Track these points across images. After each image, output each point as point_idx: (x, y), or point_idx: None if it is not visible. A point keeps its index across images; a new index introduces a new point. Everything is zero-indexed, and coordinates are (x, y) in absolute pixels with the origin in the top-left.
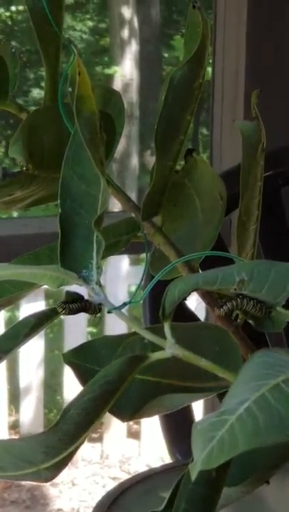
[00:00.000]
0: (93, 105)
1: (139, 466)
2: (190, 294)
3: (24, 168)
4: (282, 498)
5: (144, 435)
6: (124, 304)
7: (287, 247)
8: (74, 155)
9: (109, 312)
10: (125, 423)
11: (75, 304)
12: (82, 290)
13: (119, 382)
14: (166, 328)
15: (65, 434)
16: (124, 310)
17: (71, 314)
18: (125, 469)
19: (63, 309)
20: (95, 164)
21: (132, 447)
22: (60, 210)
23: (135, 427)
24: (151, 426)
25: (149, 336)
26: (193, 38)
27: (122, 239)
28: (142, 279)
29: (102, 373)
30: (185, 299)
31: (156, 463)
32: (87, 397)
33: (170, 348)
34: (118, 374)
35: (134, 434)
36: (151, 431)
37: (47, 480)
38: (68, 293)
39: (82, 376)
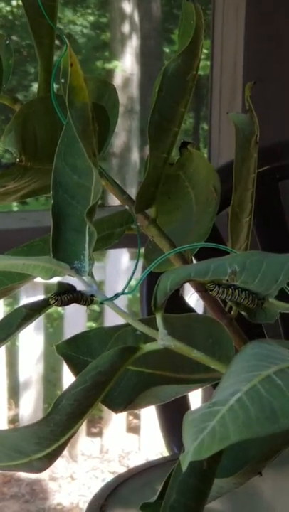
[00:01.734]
0: (86, 96)
1: (139, 461)
2: (182, 285)
3: (17, 160)
4: (276, 490)
5: (143, 430)
6: (117, 295)
7: (284, 241)
8: (66, 146)
9: (101, 303)
10: (125, 418)
11: (67, 295)
12: (75, 281)
13: (111, 373)
14: (159, 319)
15: (57, 425)
16: (117, 302)
17: (63, 305)
18: (125, 464)
19: (55, 300)
20: (88, 155)
21: (132, 442)
22: (52, 201)
23: (135, 421)
24: (151, 421)
25: (141, 327)
26: (187, 30)
27: (115, 231)
28: (133, 271)
29: (94, 364)
30: (178, 292)
31: (156, 457)
32: (79, 388)
33: (162, 340)
34: (110, 365)
35: (134, 429)
36: (151, 426)
37: (39, 471)
38: (60, 284)
39: (75, 367)
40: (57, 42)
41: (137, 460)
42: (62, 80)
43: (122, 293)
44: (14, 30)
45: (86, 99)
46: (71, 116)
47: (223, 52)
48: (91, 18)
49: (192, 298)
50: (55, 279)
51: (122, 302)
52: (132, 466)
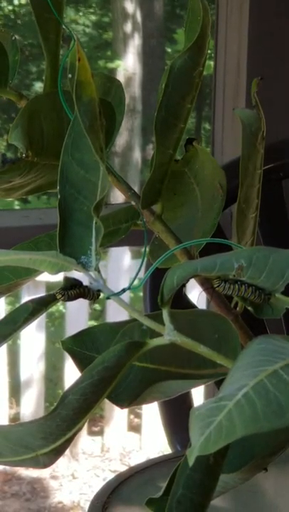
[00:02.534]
0: (93, 91)
1: (140, 460)
2: (188, 280)
3: (24, 155)
4: (279, 488)
5: (144, 429)
6: (123, 290)
7: (287, 239)
8: (73, 141)
9: (108, 298)
10: (126, 416)
11: (74, 290)
12: (81, 276)
13: (117, 368)
14: (165, 314)
15: (64, 419)
16: (123, 296)
17: (70, 300)
18: (126, 462)
19: (62, 295)
20: (95, 151)
21: (133, 441)
22: (59, 196)
23: (136, 420)
24: (152, 419)
25: (147, 322)
26: (194, 26)
27: (121, 227)
28: (140, 266)
29: (101, 359)
30: (181, 289)
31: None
32: (85, 382)
33: (168, 335)
34: (116, 360)
35: (135, 428)
36: (152, 424)
37: (45, 466)
38: (67, 279)
39: (81, 363)
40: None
41: (138, 459)
42: (70, 75)
43: (129, 288)
44: (16, 29)
45: (93, 94)
46: (78, 111)
47: (227, 51)
48: (93, 18)
49: (194, 295)
50: (60, 276)
51: (126, 299)
52: (133, 464)
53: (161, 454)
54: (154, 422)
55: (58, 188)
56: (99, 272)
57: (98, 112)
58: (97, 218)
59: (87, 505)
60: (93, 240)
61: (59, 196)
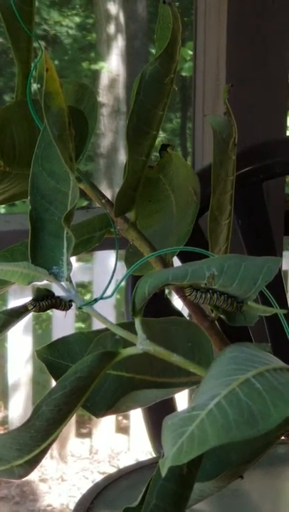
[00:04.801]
0: (62, 102)
1: (129, 461)
2: (160, 289)
3: None
4: (260, 491)
5: (133, 430)
6: (95, 300)
7: (268, 241)
8: (43, 152)
9: (79, 308)
10: (114, 418)
11: (46, 301)
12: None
13: (90, 378)
14: (137, 323)
15: (38, 430)
16: (105, 302)
17: (41, 311)
18: (114, 464)
19: (34, 306)
20: (64, 161)
21: (121, 442)
22: (30, 207)
23: (124, 422)
24: (140, 421)
25: (119, 332)
26: (164, 33)
27: (95, 235)
28: (112, 274)
29: (73, 369)
30: (163, 293)
31: (145, 457)
32: (58, 393)
33: (141, 344)
34: (89, 370)
35: (123, 429)
36: (140, 426)
37: (21, 477)
38: (38, 290)
39: (56, 372)
40: (44, 43)
41: (126, 460)
42: (38, 85)
43: (101, 298)
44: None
45: (62, 104)
46: (47, 121)
47: (206, 53)
48: (77, 19)
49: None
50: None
51: (110, 302)
52: (121, 466)
53: (149, 455)
54: (142, 424)
55: (29, 198)
56: (70, 282)
57: (67, 121)
58: (68, 228)
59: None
60: (64, 250)
61: (30, 207)
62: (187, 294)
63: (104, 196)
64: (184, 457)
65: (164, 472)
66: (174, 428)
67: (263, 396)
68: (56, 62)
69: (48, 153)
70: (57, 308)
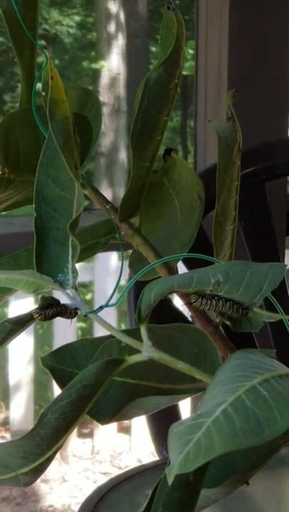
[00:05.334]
0: (67, 109)
1: (130, 461)
2: (166, 296)
3: (0, 172)
4: (265, 495)
5: (134, 430)
6: (101, 308)
7: (271, 242)
8: (48, 159)
9: (85, 316)
10: None
11: (51, 309)
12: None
13: (96, 386)
14: (143, 330)
15: (43, 439)
16: (101, 313)
17: (47, 320)
18: (116, 464)
19: (39, 315)
20: (69, 168)
21: (123, 442)
22: (35, 215)
23: (126, 422)
24: (142, 421)
25: (125, 339)
26: (168, 38)
27: (100, 241)
28: (118, 281)
29: (79, 377)
30: (166, 297)
31: (147, 457)
32: (64, 401)
33: (147, 351)
34: (95, 378)
35: (125, 429)
36: (142, 425)
37: (26, 485)
38: (44, 298)
39: (61, 380)
40: (44, 43)
41: (128, 460)
42: (44, 93)
43: (106, 305)
44: (1, 32)
45: (67, 112)
46: (52, 129)
47: (208, 52)
48: (77, 18)
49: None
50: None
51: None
52: (123, 466)
53: (151, 455)
54: (143, 424)
55: (34, 206)
56: (76, 289)
57: (72, 129)
58: (73, 236)
59: (77, 508)
60: (70, 257)
61: (35, 214)
62: (193, 301)
63: (108, 202)
64: (191, 465)
65: (170, 480)
66: (181, 436)
67: (268, 403)
68: (56, 61)
69: (53, 161)
70: (62, 316)
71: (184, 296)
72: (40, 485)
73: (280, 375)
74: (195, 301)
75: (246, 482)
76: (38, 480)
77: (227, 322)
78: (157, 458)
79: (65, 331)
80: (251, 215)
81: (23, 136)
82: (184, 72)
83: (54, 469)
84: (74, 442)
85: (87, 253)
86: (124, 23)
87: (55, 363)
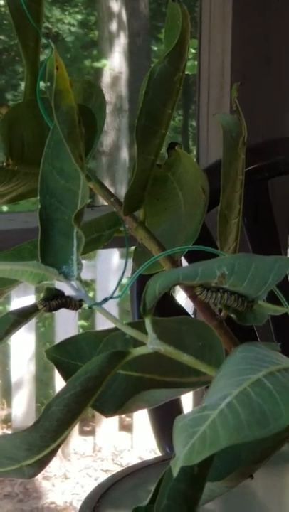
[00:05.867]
0: (71, 100)
1: (132, 459)
2: (170, 289)
3: (4, 164)
4: (268, 491)
5: (136, 428)
6: (105, 300)
7: (273, 239)
8: (53, 150)
9: (89, 308)
10: (117, 416)
11: (56, 300)
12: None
13: (100, 378)
14: (148, 323)
15: (47, 431)
16: (107, 305)
17: (52, 311)
18: (118, 462)
19: (44, 306)
20: (74, 159)
21: (125, 440)
22: (39, 206)
23: (127, 419)
24: (143, 418)
25: (130, 332)
26: (173, 31)
27: (104, 234)
28: (122, 274)
29: (83, 370)
30: (168, 291)
31: (149, 455)
32: (68, 393)
33: (151, 344)
34: (99, 370)
35: (127, 427)
36: (144, 423)
37: (30, 477)
38: (48, 289)
39: (65, 372)
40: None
41: (129, 458)
42: (48, 84)
43: (111, 297)
44: (2, 30)
45: (72, 102)
46: (57, 120)
47: (211, 51)
48: (79, 17)
49: (182, 296)
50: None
51: (113, 300)
52: (125, 464)
53: (152, 453)
54: (145, 421)
55: (39, 197)
56: (81, 281)
57: (77, 120)
58: (78, 228)
59: (79, 506)
60: (74, 249)
61: (39, 206)
62: (198, 294)
63: (112, 195)
64: (196, 457)
65: (175, 472)
66: (186, 428)
67: (274, 396)
68: None
69: (58, 152)
70: (67, 307)
71: (189, 289)
72: (41, 482)
73: (285, 368)
74: (200, 294)
75: (251, 476)
76: (40, 477)
77: (232, 315)
78: (158, 456)
79: (66, 329)
80: (254, 212)
81: (27, 128)
82: (185, 72)
83: (56, 466)
84: (76, 440)
85: (91, 246)
86: (126, 22)
87: (59, 356)
